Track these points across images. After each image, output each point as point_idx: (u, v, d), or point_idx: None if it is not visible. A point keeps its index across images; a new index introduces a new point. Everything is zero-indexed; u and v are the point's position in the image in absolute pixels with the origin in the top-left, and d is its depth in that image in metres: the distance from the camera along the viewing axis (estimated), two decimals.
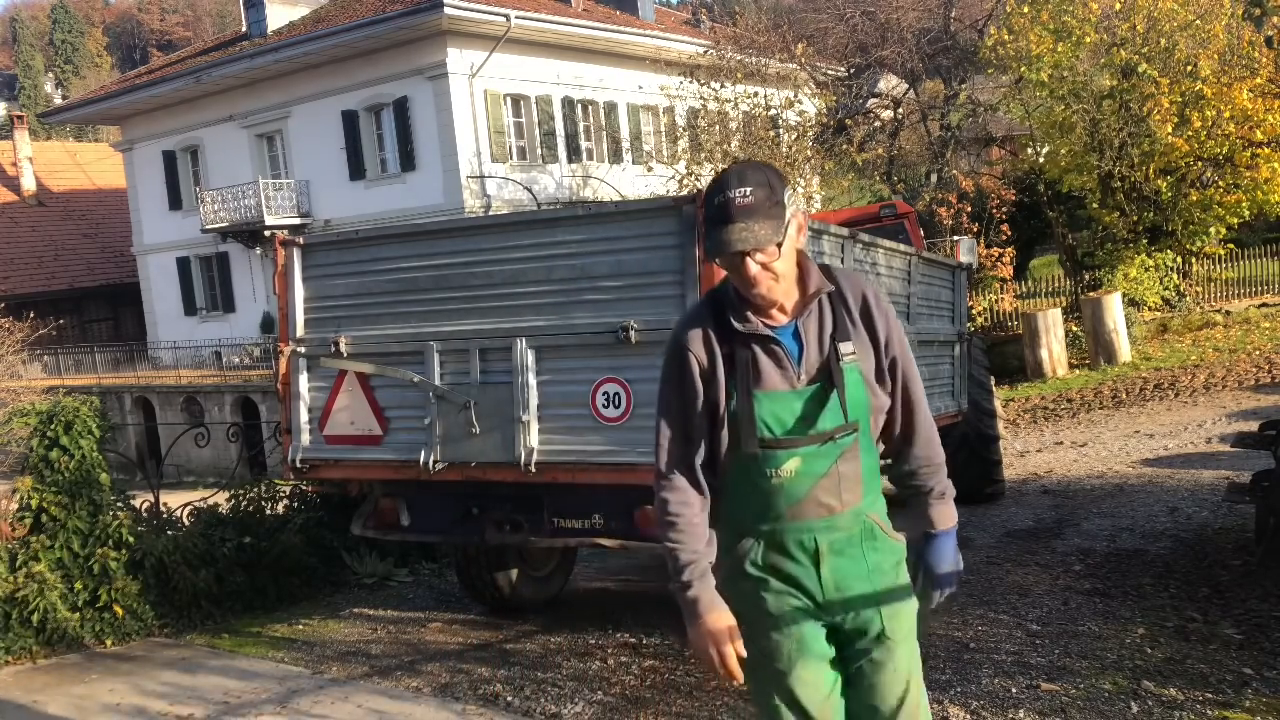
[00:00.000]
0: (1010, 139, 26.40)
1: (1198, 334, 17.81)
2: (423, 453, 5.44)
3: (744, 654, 2.35)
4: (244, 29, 30.71)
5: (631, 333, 4.86)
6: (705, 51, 23.15)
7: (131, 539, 6.62)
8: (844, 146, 22.33)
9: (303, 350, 5.81)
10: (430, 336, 5.45)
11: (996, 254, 19.31)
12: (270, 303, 25.47)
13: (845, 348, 2.37)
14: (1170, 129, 17.57)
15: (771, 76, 22.13)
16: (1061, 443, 11.65)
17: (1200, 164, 18.20)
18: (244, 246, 28.79)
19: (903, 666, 2.42)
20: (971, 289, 16.48)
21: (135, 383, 28.18)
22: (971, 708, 4.29)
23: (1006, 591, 6.06)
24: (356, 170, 26.66)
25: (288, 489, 7.82)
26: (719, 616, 2.34)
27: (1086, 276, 19.65)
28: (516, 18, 24.49)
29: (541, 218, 5.59)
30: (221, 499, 7.59)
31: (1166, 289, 18.94)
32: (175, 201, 30.79)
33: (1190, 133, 17.59)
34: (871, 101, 27.12)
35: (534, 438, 5.20)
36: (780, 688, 2.41)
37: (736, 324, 2.36)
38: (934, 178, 24.27)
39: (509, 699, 4.87)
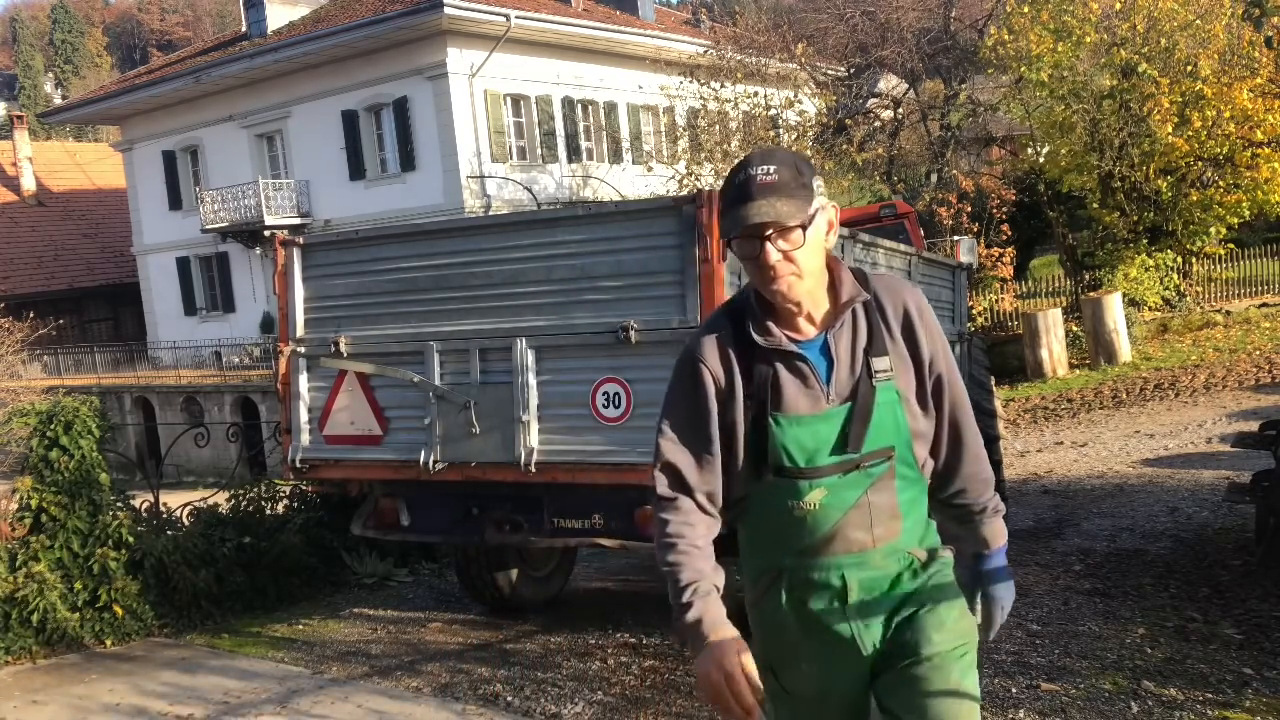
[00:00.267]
0: (1010, 139, 26.39)
1: (1198, 334, 17.81)
2: (423, 453, 5.44)
3: (756, 679, 1.97)
4: (244, 29, 30.70)
5: (631, 333, 4.86)
6: (705, 51, 23.14)
7: (131, 539, 6.62)
8: (844, 146, 22.31)
9: (303, 350, 5.81)
10: (430, 336, 5.45)
11: (997, 254, 19.30)
12: (270, 303, 25.47)
13: (880, 364, 2.11)
14: (1170, 129, 17.56)
15: (771, 76, 22.12)
16: (1062, 443, 11.65)
17: (1200, 164, 18.19)
18: (244, 246, 28.78)
19: (953, 684, 2.11)
20: (972, 289, 16.49)
21: (135, 383, 28.16)
22: None
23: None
24: (356, 170, 26.66)
25: (288, 489, 7.82)
26: (724, 634, 1.99)
27: (1087, 276, 19.65)
28: (516, 18, 24.49)
29: (541, 218, 5.59)
30: (221, 499, 7.59)
31: (1167, 289, 18.94)
32: (175, 201, 30.78)
33: (1190, 133, 17.59)
34: (871, 101, 27.10)
35: (534, 438, 5.20)
36: None
37: (757, 337, 2.10)
38: (934, 178, 24.26)
39: (509, 699, 4.87)
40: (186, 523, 7.33)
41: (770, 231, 2.01)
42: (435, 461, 5.41)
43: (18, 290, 32.79)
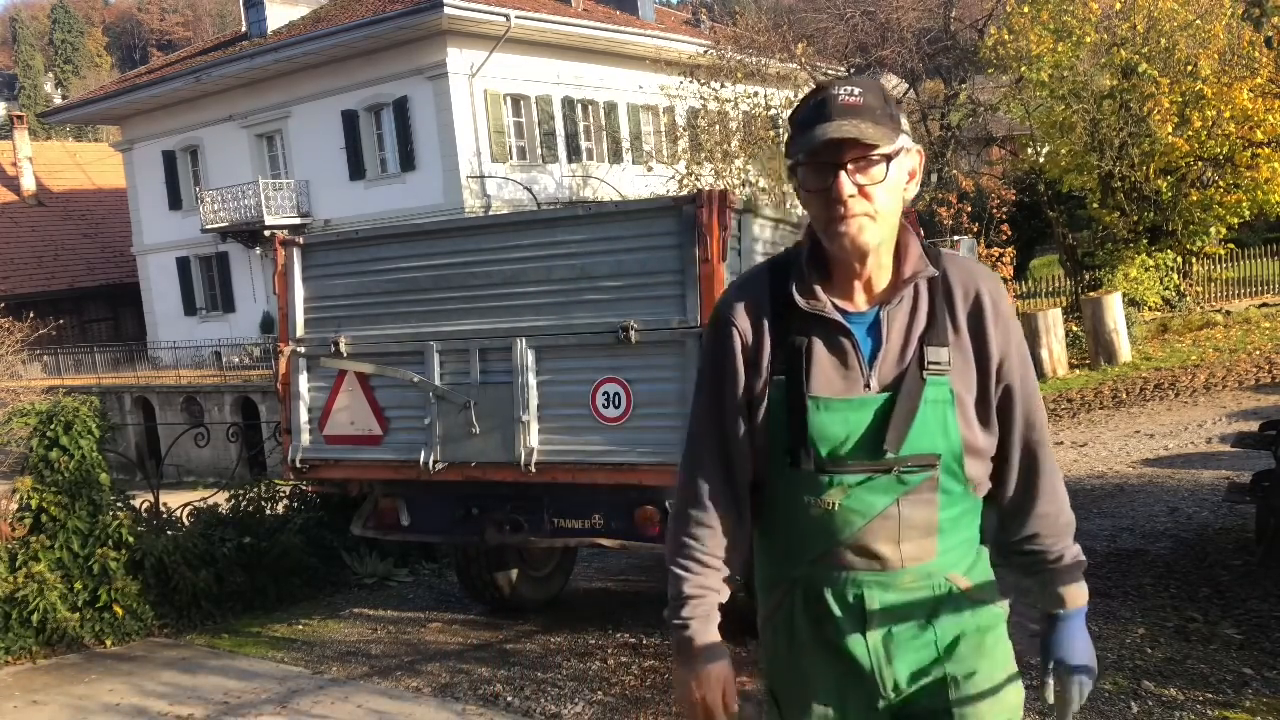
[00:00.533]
0: (1010, 139, 26.39)
1: (1198, 334, 17.81)
2: (423, 453, 5.44)
3: (734, 708, 1.87)
4: (244, 29, 30.71)
5: (631, 333, 4.86)
6: (705, 51, 23.15)
7: (131, 539, 6.62)
8: None
9: (303, 350, 5.81)
10: (430, 336, 5.45)
11: (997, 254, 19.29)
12: (270, 303, 25.46)
13: (936, 355, 1.78)
14: (1170, 129, 17.57)
15: (771, 76, 22.13)
16: (1062, 443, 11.65)
17: (1200, 164, 18.20)
18: (244, 246, 28.79)
19: None
20: None
21: (135, 383, 28.16)
22: None
23: (1006, 592, 6.06)
24: (356, 170, 26.66)
25: (288, 489, 7.83)
26: (713, 659, 1.84)
27: (1087, 276, 19.66)
28: (516, 18, 24.49)
29: (541, 218, 5.60)
30: (221, 499, 7.59)
31: (1167, 289, 18.94)
32: (175, 201, 30.79)
33: (1190, 133, 17.60)
34: None
35: (534, 438, 5.20)
36: None
37: (799, 298, 1.80)
38: (934, 177, 24.26)
39: (509, 699, 4.87)
40: (186, 523, 7.33)
41: (849, 158, 1.70)
42: (435, 461, 5.41)
43: (18, 290, 32.78)
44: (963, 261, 1.88)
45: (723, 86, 20.72)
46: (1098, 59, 18.70)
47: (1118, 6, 18.17)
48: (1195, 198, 18.39)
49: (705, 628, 1.86)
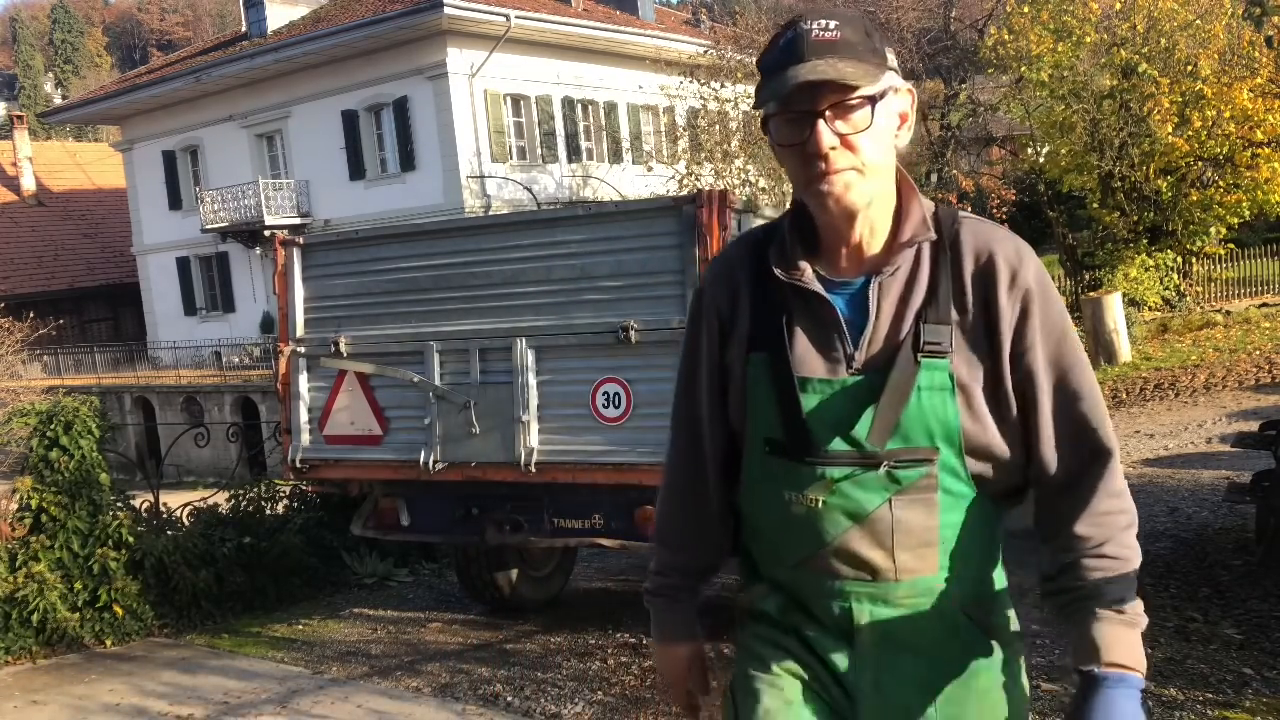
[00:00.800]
0: (1010, 139, 26.40)
1: (1198, 334, 17.81)
2: (423, 453, 5.44)
3: (705, 687, 1.80)
4: (244, 29, 30.72)
5: (631, 333, 4.87)
6: (705, 51, 23.15)
7: (131, 539, 6.62)
8: None
9: (303, 350, 5.81)
10: (430, 336, 5.45)
11: None
12: (270, 303, 25.46)
13: (935, 333, 1.52)
14: (1170, 129, 17.58)
15: None
16: None
17: (1200, 164, 18.21)
18: (244, 246, 28.80)
19: None
20: None
21: (135, 383, 28.17)
22: None
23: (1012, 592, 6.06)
24: (356, 170, 26.67)
25: (288, 489, 7.83)
26: (679, 649, 1.78)
27: (1087, 276, 19.67)
28: (516, 18, 24.49)
29: (541, 218, 5.60)
30: (221, 499, 7.59)
31: (1167, 289, 18.95)
32: (175, 201, 30.80)
33: (1190, 133, 17.61)
34: None
35: (534, 438, 5.20)
36: None
37: (776, 268, 1.58)
38: (934, 177, 24.26)
39: (509, 699, 4.87)
40: (186, 523, 7.33)
41: (827, 104, 1.45)
42: (435, 461, 5.41)
43: (18, 290, 32.78)
44: (982, 225, 1.59)
45: (723, 86, 20.73)
46: (1098, 59, 18.71)
47: (1118, 6, 18.18)
48: (1195, 198, 18.40)
49: (669, 606, 1.79)
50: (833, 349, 1.56)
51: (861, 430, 1.53)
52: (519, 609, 6.39)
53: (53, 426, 6.53)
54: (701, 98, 20.83)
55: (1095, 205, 19.11)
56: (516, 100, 26.28)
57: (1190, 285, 19.67)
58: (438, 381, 5.42)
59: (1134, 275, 18.48)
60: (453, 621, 6.41)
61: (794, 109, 1.47)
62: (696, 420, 1.71)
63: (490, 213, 23.41)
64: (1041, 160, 21.56)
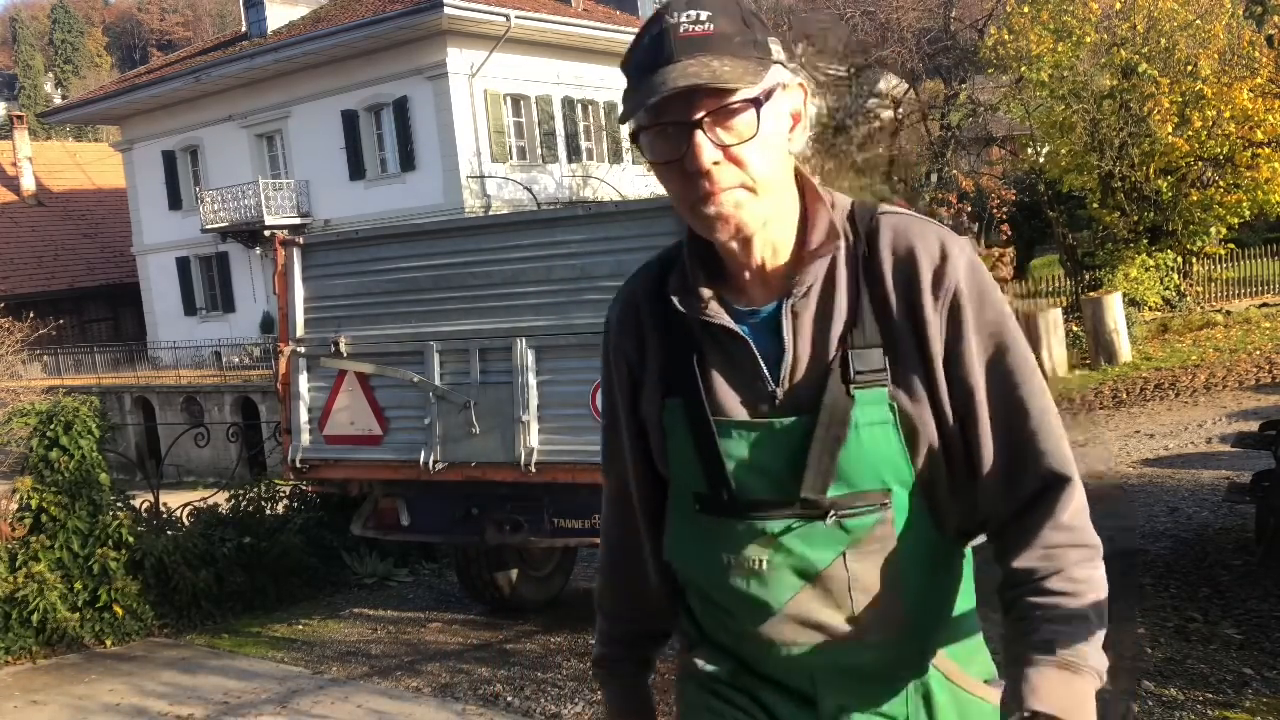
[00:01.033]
0: (1010, 139, 26.39)
1: (1198, 334, 17.81)
2: (423, 453, 5.44)
3: None
4: (244, 29, 30.71)
5: None
6: None
7: (131, 539, 6.62)
8: (844, 146, 22.34)
9: (303, 350, 5.81)
10: (430, 336, 5.45)
11: (997, 254, 19.30)
12: (270, 303, 25.47)
13: (866, 359, 1.30)
14: (1170, 129, 17.58)
15: None
16: None
17: (1200, 164, 18.21)
18: (244, 246, 28.79)
19: None
20: None
21: (135, 383, 28.17)
22: None
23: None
24: (356, 170, 26.67)
25: (288, 489, 7.83)
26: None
27: (1087, 276, 19.66)
28: (516, 18, 24.50)
29: (541, 218, 5.61)
30: (221, 499, 7.59)
31: (1167, 289, 18.95)
32: (175, 201, 30.79)
33: (1190, 132, 17.60)
34: (872, 101, 27.11)
35: (534, 438, 5.20)
36: None
37: (678, 302, 1.37)
38: (934, 178, 24.25)
39: (509, 699, 4.87)
40: (186, 523, 7.34)
41: (704, 111, 1.23)
42: (435, 461, 5.41)
43: (18, 290, 32.77)
44: (904, 218, 1.36)
45: None
46: (1098, 59, 18.71)
47: (1118, 6, 18.18)
48: (1195, 198, 18.40)
49: (610, 679, 1.62)
50: (752, 387, 1.34)
51: (798, 480, 1.30)
52: (519, 609, 6.39)
53: (53, 426, 6.54)
54: None
55: (1095, 205, 19.10)
56: (516, 100, 26.28)
57: (1190, 285, 19.66)
58: (438, 381, 5.42)
59: (1134, 275, 18.47)
60: (453, 621, 6.41)
61: (666, 120, 1.24)
62: (622, 473, 1.51)
63: (490, 213, 23.41)
64: (1041, 160, 21.55)
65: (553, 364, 5.18)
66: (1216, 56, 17.67)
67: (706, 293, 1.36)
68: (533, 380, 5.20)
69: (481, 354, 5.34)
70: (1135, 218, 18.72)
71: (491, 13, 24.20)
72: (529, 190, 24.55)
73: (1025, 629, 1.28)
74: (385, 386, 5.62)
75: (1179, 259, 19.18)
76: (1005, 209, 19.67)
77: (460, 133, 24.79)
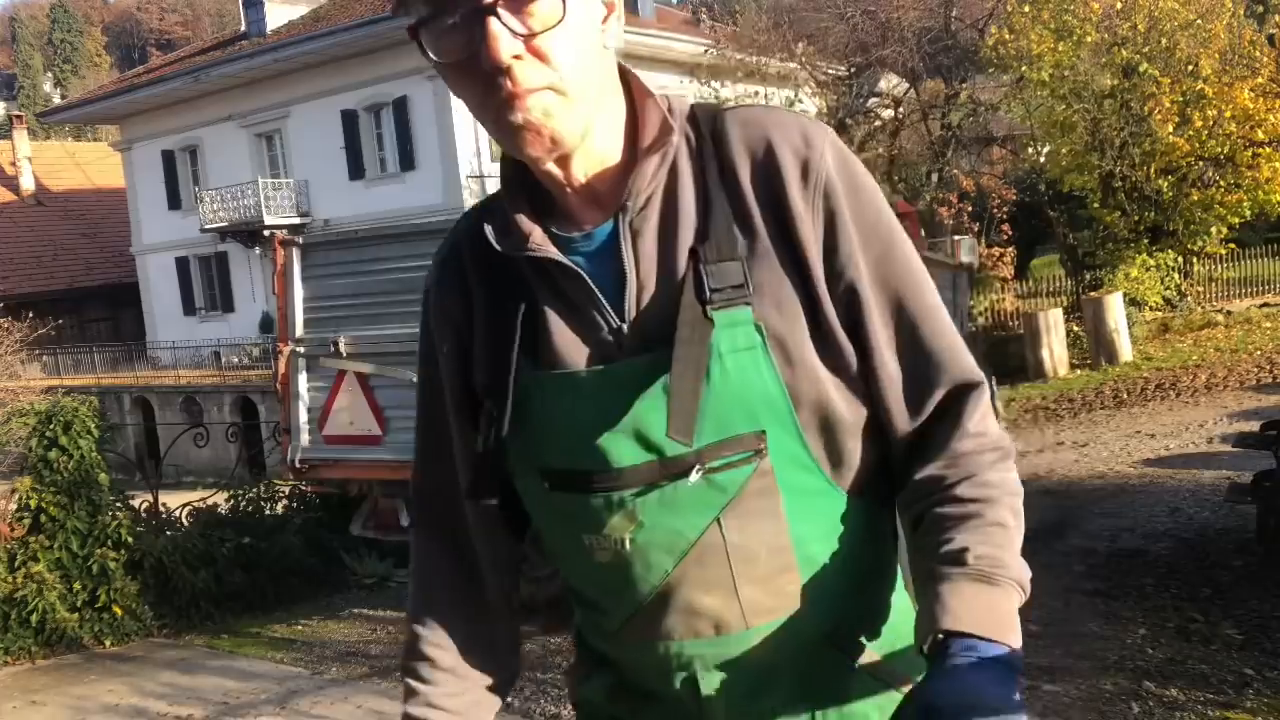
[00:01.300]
0: (1011, 138, 26.39)
1: (1199, 334, 17.81)
2: None
3: None
4: (243, 29, 30.72)
5: None
6: (705, 51, 23.16)
7: (130, 539, 6.61)
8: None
9: (302, 350, 5.81)
10: None
11: (997, 254, 19.32)
12: (269, 303, 25.44)
13: (723, 273, 1.07)
14: (1171, 128, 17.58)
15: (772, 76, 22.14)
16: (1063, 443, 11.63)
17: (1201, 164, 18.20)
18: (243, 246, 28.80)
19: None
20: (972, 289, 16.50)
21: (134, 383, 28.17)
22: None
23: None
24: (356, 170, 26.67)
25: (287, 489, 7.83)
26: None
27: (1087, 276, 19.66)
28: None
29: None
30: (221, 499, 7.59)
31: (1168, 289, 18.94)
32: (174, 201, 30.80)
33: (1191, 132, 17.60)
34: (872, 101, 27.12)
35: None
36: None
37: (494, 240, 1.13)
38: (935, 177, 24.25)
39: (509, 699, 4.86)
40: (186, 523, 7.33)
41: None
42: None
43: (17, 290, 32.77)
44: (751, 110, 1.14)
45: (723, 86, 20.74)
46: (1098, 58, 18.70)
47: (1118, 6, 18.17)
48: (1196, 197, 18.39)
49: None
50: (594, 328, 1.11)
51: (656, 428, 1.06)
52: (518, 609, 6.39)
53: (52, 426, 6.53)
54: (701, 98, 20.87)
55: (1096, 205, 19.10)
56: None
57: (1191, 285, 19.66)
58: None
59: (1135, 275, 18.47)
60: None
61: (451, 9, 1.00)
62: (444, 468, 1.28)
63: None
64: (1042, 160, 21.55)
65: None
66: (1217, 56, 17.67)
67: (528, 224, 1.11)
68: None
69: None
70: (1136, 217, 18.72)
71: None
72: None
73: (934, 542, 1.06)
74: (385, 386, 5.62)
75: (1180, 259, 19.17)
76: (1006, 209, 19.67)
77: (460, 132, 24.79)
